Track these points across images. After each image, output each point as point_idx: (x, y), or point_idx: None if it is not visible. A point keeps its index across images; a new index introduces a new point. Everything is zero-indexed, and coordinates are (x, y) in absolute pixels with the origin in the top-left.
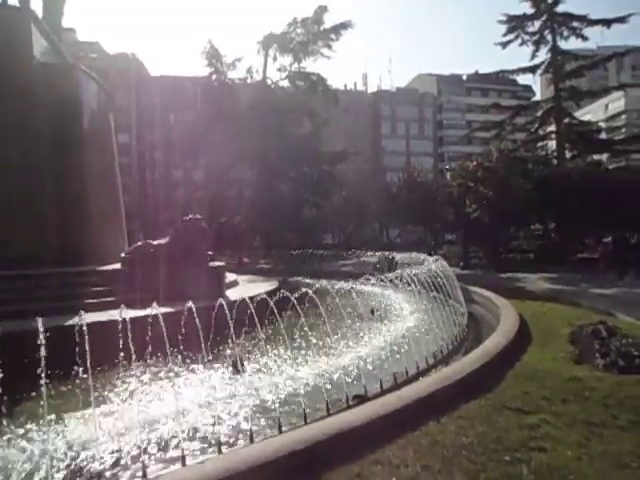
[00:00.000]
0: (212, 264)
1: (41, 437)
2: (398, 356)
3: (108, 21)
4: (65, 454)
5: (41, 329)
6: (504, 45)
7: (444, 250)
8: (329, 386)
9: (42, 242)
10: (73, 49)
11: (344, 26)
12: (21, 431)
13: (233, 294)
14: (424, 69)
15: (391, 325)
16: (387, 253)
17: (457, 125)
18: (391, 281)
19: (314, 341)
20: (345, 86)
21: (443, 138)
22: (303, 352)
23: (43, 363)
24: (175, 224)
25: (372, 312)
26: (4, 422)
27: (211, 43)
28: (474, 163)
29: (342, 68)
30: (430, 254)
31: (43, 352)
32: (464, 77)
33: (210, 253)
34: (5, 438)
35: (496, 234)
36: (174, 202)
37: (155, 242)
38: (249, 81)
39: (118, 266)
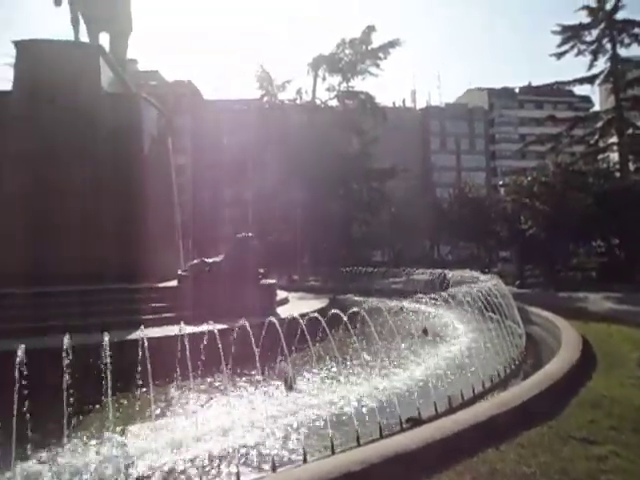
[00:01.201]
0: (264, 281)
1: (104, 446)
2: (452, 378)
3: (166, 50)
4: (123, 464)
5: (107, 342)
6: (559, 56)
7: (498, 268)
8: (382, 407)
9: (106, 260)
10: (135, 78)
11: (392, 44)
12: (86, 440)
13: (284, 311)
14: (474, 84)
15: (444, 345)
16: (438, 271)
17: (510, 139)
18: (445, 300)
19: (366, 360)
20: (394, 103)
21: (495, 152)
22: (355, 371)
23: (108, 375)
24: (228, 242)
25: (424, 332)
26: (71, 430)
27: (262, 67)
28: (529, 178)
29: (390, 85)
30: (484, 272)
31: (109, 364)
32: (516, 90)
33: (262, 271)
34: (69, 447)
35: (554, 251)
36: (226, 220)
37: (210, 260)
38: (298, 102)
39: (175, 283)
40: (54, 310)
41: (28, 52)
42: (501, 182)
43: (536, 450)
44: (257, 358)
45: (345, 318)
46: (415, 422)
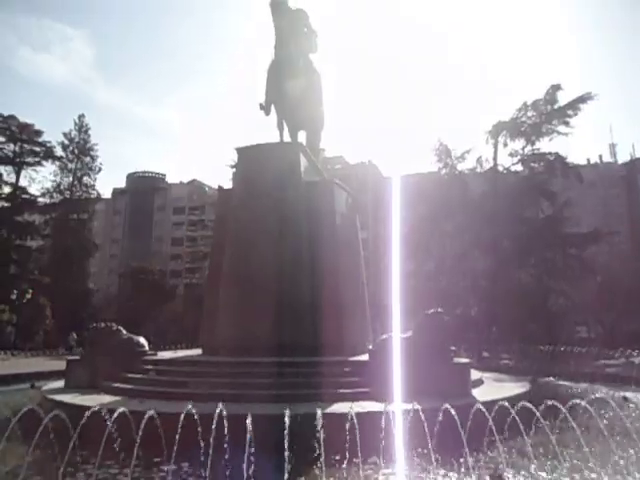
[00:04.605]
0: (456, 360)
1: None
2: None
3: (349, 137)
4: None
5: (319, 416)
6: None
7: None
8: None
9: (301, 333)
10: (324, 164)
11: (583, 100)
12: None
13: (480, 394)
14: None
15: None
16: None
17: None
18: None
19: (592, 463)
20: (588, 160)
21: None
22: (580, 475)
23: (317, 447)
24: (413, 316)
25: None
26: None
27: (440, 141)
28: None
29: (584, 140)
30: None
31: (320, 436)
32: None
33: (453, 348)
34: None
35: None
36: (407, 293)
37: (399, 335)
38: (479, 170)
39: (366, 357)
40: (255, 379)
41: (244, 155)
42: None
43: None
44: (458, 445)
45: (564, 410)
46: None
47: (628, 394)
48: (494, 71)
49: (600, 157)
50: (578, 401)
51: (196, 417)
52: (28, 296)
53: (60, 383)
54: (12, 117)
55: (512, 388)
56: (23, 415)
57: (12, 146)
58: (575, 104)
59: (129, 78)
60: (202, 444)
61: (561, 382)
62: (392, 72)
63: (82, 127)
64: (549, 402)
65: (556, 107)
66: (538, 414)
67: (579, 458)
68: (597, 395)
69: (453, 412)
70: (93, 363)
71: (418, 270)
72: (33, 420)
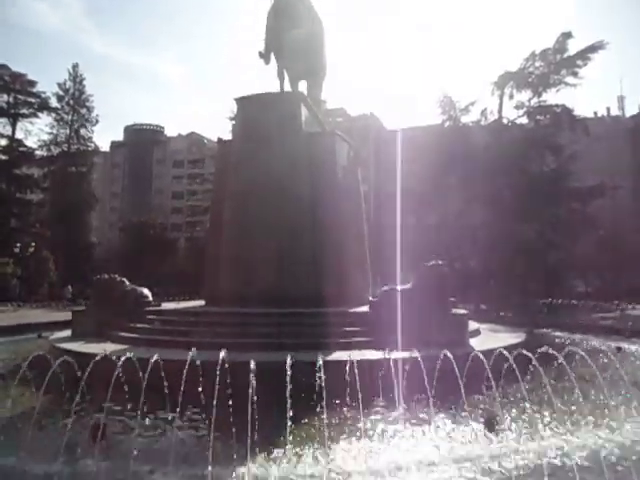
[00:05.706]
0: (455, 311)
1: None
2: None
3: (351, 87)
4: None
5: (320, 363)
6: None
7: None
8: (611, 464)
9: (304, 284)
10: (325, 116)
11: (593, 49)
12: (300, 451)
13: (478, 344)
14: None
15: None
16: None
17: None
18: None
19: (583, 408)
20: (595, 113)
21: None
22: (573, 419)
23: (318, 392)
24: (414, 269)
25: None
26: (286, 439)
27: (444, 92)
28: None
29: (592, 93)
30: None
31: (322, 382)
32: None
33: (453, 299)
34: (287, 456)
35: None
36: (408, 246)
37: (400, 287)
38: (483, 123)
39: (366, 309)
40: (258, 329)
41: (244, 105)
42: None
43: None
44: (455, 391)
45: (561, 357)
46: None
47: (622, 344)
48: (502, 22)
49: (608, 110)
50: (573, 349)
51: (198, 363)
52: (31, 249)
53: (66, 333)
54: (4, 66)
55: (508, 338)
56: (33, 360)
57: (6, 97)
58: (585, 54)
59: (126, 28)
60: (205, 390)
61: (557, 333)
62: (396, 22)
63: (76, 77)
64: (543, 349)
65: (565, 56)
66: (534, 360)
67: (570, 401)
68: (591, 344)
69: (451, 359)
70: (98, 313)
71: (419, 223)
72: (43, 366)
